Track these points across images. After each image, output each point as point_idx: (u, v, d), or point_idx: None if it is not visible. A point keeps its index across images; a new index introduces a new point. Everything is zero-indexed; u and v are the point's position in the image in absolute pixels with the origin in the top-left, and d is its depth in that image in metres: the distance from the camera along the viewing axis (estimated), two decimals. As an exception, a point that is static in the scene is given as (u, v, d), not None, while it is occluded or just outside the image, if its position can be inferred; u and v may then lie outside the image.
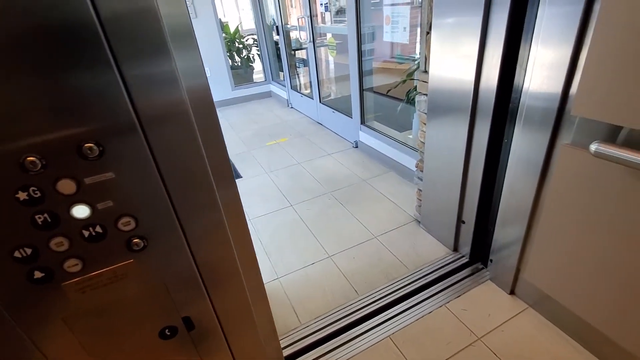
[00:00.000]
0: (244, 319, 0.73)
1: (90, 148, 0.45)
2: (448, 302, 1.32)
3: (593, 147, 0.80)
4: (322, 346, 1.21)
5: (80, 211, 0.48)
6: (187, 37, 0.51)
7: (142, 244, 0.53)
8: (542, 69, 0.96)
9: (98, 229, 0.50)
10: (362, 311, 1.33)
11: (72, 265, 0.50)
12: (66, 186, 0.45)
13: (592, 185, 0.89)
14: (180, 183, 0.53)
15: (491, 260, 1.38)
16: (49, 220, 0.46)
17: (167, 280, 0.59)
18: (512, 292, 1.33)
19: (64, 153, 0.44)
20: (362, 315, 1.31)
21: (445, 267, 1.49)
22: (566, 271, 1.03)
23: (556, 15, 0.89)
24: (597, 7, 0.81)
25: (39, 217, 0.46)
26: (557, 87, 0.93)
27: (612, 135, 0.84)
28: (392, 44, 2.57)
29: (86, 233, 0.49)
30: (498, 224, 1.28)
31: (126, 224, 0.52)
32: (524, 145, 1.08)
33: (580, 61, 0.88)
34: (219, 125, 0.59)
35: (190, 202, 0.55)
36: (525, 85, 1.02)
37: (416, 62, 2.19)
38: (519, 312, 1.25)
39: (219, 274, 0.64)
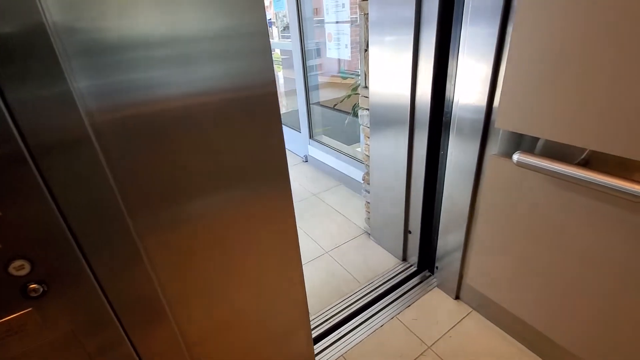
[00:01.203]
0: None
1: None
2: (399, 313, 1.33)
3: (515, 157, 0.86)
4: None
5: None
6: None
7: (41, 289, 0.46)
8: (468, 84, 1.02)
9: (-18, 276, 0.42)
10: (315, 331, 1.29)
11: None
12: None
13: (518, 193, 0.94)
14: (85, 217, 0.47)
15: (437, 268, 1.42)
16: None
17: (76, 327, 0.52)
18: (457, 297, 1.37)
19: None
20: (315, 335, 1.27)
21: (395, 278, 1.51)
22: (502, 274, 1.09)
23: (476, 35, 0.95)
24: (510, 29, 0.88)
25: None
26: (482, 101, 1.00)
27: (532, 145, 0.91)
28: (338, 59, 2.63)
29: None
30: (441, 232, 1.33)
31: (19, 268, 0.44)
32: (459, 156, 1.14)
33: (500, 77, 0.95)
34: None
35: (99, 237, 0.49)
36: (456, 99, 1.08)
37: (359, 78, 2.26)
38: (464, 317, 1.29)
39: (141, 314, 0.57)
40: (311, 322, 1.32)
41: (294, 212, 0.75)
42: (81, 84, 0.43)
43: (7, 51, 0.38)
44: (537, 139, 0.89)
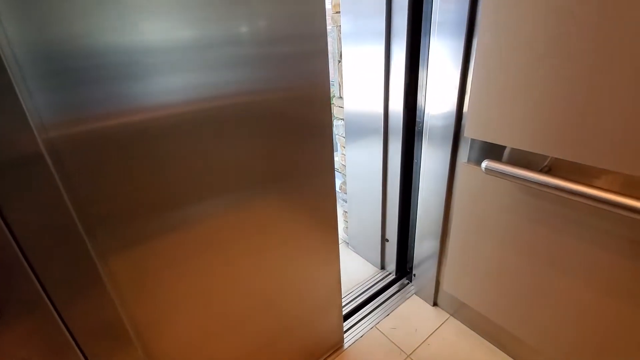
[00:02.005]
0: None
1: None
2: (378, 323, 1.33)
3: (483, 164, 0.88)
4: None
5: None
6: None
7: (-10, 318, 0.43)
8: (438, 94, 1.05)
9: None
10: (294, 344, 1.27)
11: None
12: None
13: (488, 199, 0.97)
14: (38, 239, 0.45)
15: (414, 275, 1.44)
16: None
17: (32, 355, 0.49)
18: (435, 304, 1.39)
19: None
20: (294, 348, 1.25)
21: (374, 287, 1.51)
22: (475, 280, 1.11)
23: (443, 47, 0.98)
24: (475, 42, 0.91)
25: None
26: (452, 111, 1.02)
27: (500, 153, 0.94)
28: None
29: None
30: (417, 240, 1.34)
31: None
32: (431, 164, 1.16)
33: (468, 87, 0.98)
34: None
35: (54, 260, 0.46)
36: (427, 109, 1.11)
37: (334, 88, 2.28)
38: (442, 323, 1.31)
39: (103, 340, 0.54)
40: (290, 336, 1.29)
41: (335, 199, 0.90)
42: (34, 97, 0.41)
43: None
44: (503, 147, 0.92)
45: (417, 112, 1.20)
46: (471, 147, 1.01)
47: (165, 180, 0.55)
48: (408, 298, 1.44)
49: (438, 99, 1.06)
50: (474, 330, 1.26)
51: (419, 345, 1.22)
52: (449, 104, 1.03)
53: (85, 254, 0.48)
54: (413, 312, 1.36)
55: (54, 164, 0.43)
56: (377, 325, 1.32)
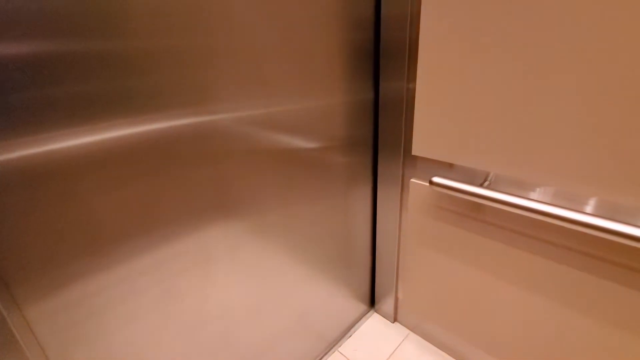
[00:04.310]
0: None
1: None
2: (340, 346, 1.30)
3: (431, 180, 0.92)
4: None
5: None
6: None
7: None
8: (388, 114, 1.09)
9: None
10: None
11: None
12: None
13: (435, 215, 1.01)
14: None
15: (375, 292, 1.44)
16: None
17: None
18: (395, 320, 1.39)
19: None
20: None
21: (335, 308, 1.49)
22: (431, 294, 1.13)
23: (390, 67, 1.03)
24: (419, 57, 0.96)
25: None
26: (401, 128, 1.06)
27: (448, 170, 0.98)
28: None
29: None
30: (377, 256, 1.35)
31: None
32: (386, 181, 1.19)
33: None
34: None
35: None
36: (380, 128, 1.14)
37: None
38: (403, 340, 1.31)
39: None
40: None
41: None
42: None
43: None
44: (452, 164, 0.97)
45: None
46: (420, 165, 1.05)
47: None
48: (369, 316, 1.43)
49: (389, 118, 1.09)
50: (434, 345, 1.28)
51: (382, 365, 1.21)
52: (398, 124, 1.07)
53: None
54: (374, 331, 1.36)
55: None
56: (339, 349, 1.29)
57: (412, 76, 0.98)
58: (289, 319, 1.07)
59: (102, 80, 0.48)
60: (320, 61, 0.88)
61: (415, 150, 0.98)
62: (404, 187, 1.12)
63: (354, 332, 1.36)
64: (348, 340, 1.32)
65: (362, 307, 1.44)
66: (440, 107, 0.87)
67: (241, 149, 0.75)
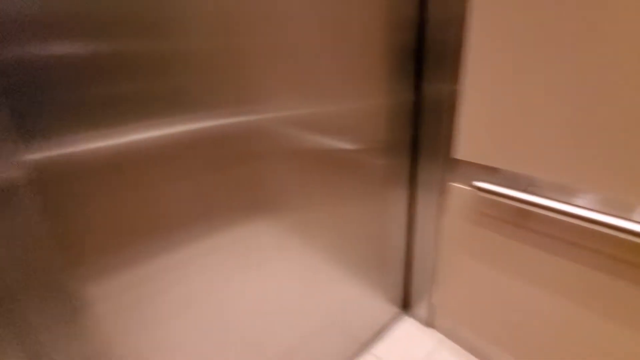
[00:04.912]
0: None
1: None
2: (373, 348, 1.30)
3: (474, 185, 0.90)
4: None
5: None
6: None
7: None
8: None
9: None
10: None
11: None
12: None
13: (477, 220, 0.99)
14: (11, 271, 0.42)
15: (410, 296, 1.43)
16: None
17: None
18: (429, 325, 1.38)
19: None
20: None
21: (367, 309, 1.49)
22: (468, 301, 1.11)
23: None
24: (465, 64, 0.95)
25: None
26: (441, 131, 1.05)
27: (491, 174, 0.96)
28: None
29: None
30: (413, 260, 1.34)
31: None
32: (424, 184, 1.17)
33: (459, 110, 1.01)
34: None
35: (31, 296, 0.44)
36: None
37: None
38: (437, 346, 1.29)
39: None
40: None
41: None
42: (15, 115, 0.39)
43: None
44: (496, 168, 0.95)
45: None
46: (461, 168, 1.03)
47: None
48: (403, 320, 1.42)
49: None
50: (470, 353, 1.25)
51: (416, 370, 1.20)
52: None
53: (64, 288, 0.45)
54: (408, 335, 1.35)
55: (33, 192, 0.41)
56: (372, 350, 1.29)
57: (455, 78, 0.96)
58: (321, 317, 1.09)
59: (164, 79, 0.51)
60: (362, 62, 0.88)
61: (458, 154, 0.96)
62: (443, 190, 1.11)
63: (387, 334, 1.36)
64: (380, 342, 1.32)
65: (395, 309, 1.43)
66: (487, 110, 0.85)
67: (284, 148, 0.77)
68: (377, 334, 1.36)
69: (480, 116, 0.87)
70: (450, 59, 0.93)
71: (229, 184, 0.67)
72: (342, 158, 0.93)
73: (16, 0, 0.35)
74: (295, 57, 0.71)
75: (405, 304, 1.47)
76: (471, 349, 1.24)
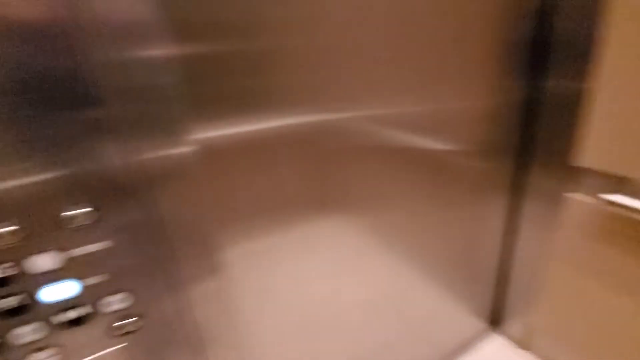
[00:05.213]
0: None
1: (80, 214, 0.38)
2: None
3: (603, 197, 0.80)
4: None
5: (62, 290, 0.40)
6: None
7: (140, 323, 0.45)
8: (541, 120, 0.98)
9: (84, 310, 0.41)
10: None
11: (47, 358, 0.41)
12: (45, 260, 0.38)
13: (601, 238, 0.87)
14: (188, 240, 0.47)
15: (503, 311, 1.32)
16: (21, 305, 0.38)
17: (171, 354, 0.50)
18: (524, 347, 1.26)
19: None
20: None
21: (449, 320, 1.41)
22: (577, 326, 0.98)
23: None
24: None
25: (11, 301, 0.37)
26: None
27: (620, 185, 0.84)
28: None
29: (67, 316, 0.41)
30: (510, 275, 1.24)
31: (120, 301, 0.44)
32: (533, 190, 1.08)
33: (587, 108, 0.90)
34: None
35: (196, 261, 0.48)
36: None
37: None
38: (534, 370, 1.17)
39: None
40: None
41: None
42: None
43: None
44: (623, 179, 0.82)
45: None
46: (584, 178, 0.91)
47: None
48: (490, 337, 1.32)
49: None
50: (572, 383, 1.11)
51: (507, 393, 1.10)
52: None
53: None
54: (498, 353, 1.24)
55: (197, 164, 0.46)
56: (456, 363, 1.22)
57: (585, 75, 0.85)
58: (401, 323, 1.05)
59: (267, 75, 0.52)
60: (464, 56, 0.81)
61: (583, 160, 0.85)
62: (557, 201, 1.00)
63: (473, 350, 1.27)
64: (465, 357, 1.24)
65: (482, 324, 1.33)
66: (629, 112, 0.74)
67: (372, 148, 0.74)
68: (461, 348, 1.28)
69: (620, 119, 0.76)
70: (581, 52, 0.83)
71: (318, 179, 0.66)
72: (436, 160, 0.88)
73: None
74: (386, 55, 0.67)
75: (494, 320, 1.36)
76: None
